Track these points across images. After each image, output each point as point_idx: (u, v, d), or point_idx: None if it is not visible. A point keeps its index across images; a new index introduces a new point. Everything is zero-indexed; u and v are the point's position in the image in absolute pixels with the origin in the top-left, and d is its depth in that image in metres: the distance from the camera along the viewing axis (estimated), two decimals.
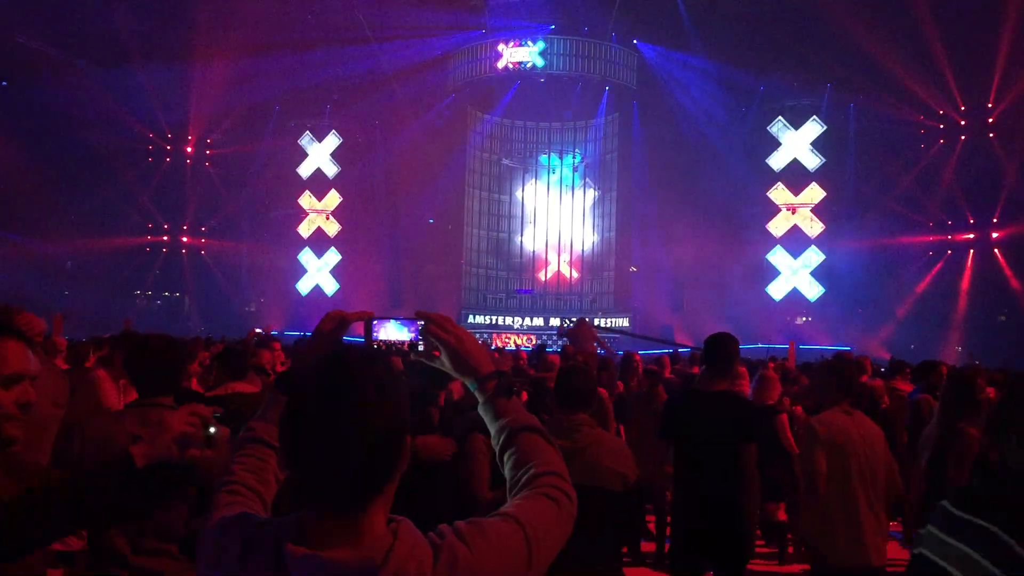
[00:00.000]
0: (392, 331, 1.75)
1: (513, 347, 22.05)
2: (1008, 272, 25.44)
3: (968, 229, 26.47)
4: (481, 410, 1.73)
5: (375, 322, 1.77)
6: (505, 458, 1.65)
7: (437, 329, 1.71)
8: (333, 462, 1.26)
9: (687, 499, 4.66)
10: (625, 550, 6.21)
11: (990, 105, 25.59)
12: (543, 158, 32.77)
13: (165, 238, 30.67)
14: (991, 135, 25.56)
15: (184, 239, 30.98)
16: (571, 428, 3.66)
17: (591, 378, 3.94)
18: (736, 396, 4.85)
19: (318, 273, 31.89)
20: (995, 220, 25.83)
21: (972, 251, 26.49)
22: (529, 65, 30.12)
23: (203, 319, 28.38)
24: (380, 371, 1.33)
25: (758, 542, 7.57)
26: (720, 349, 4.80)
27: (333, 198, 32.10)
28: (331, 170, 32.13)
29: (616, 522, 3.68)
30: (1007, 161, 24.44)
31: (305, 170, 32.30)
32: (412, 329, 1.73)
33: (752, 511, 4.58)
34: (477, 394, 1.72)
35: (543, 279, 32.67)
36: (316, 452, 1.27)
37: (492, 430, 1.71)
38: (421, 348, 1.72)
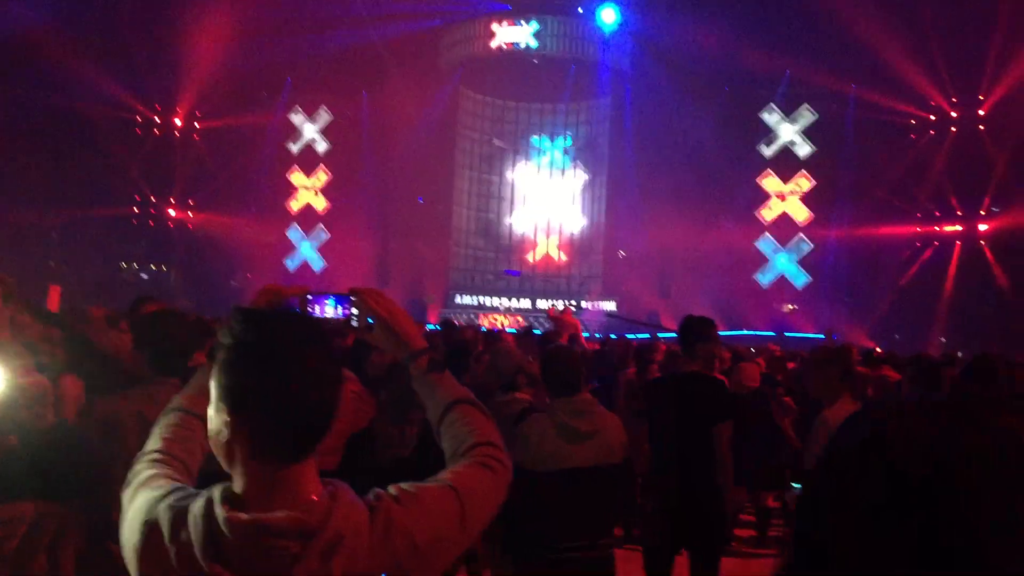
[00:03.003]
0: (328, 308, 1.74)
1: (499, 328, 22.07)
2: (994, 265, 25.58)
3: (955, 221, 26.59)
4: (415, 385, 1.74)
5: (311, 298, 1.77)
6: (442, 430, 1.68)
7: (371, 303, 1.72)
8: (273, 414, 1.30)
9: (660, 480, 4.71)
10: (620, 532, 6.24)
11: (981, 98, 25.65)
12: (534, 140, 32.70)
13: (152, 210, 30.46)
14: (981, 128, 25.62)
15: (172, 212, 30.80)
16: (584, 409, 3.73)
17: (577, 360, 3.98)
18: (708, 378, 4.89)
19: (306, 250, 31.79)
20: (982, 213, 25.95)
21: (959, 243, 26.61)
22: (522, 45, 29.96)
23: (190, 293, 28.26)
24: (316, 332, 1.41)
25: (748, 529, 7.65)
26: (691, 331, 4.87)
27: (322, 175, 31.95)
28: (321, 147, 31.98)
29: (621, 495, 3.78)
30: (996, 155, 24.50)
31: (295, 146, 32.12)
32: (345, 306, 1.73)
33: (727, 492, 4.62)
34: (410, 369, 1.73)
35: (531, 261, 32.66)
36: (257, 404, 1.31)
37: (427, 404, 1.73)
38: (355, 324, 1.72)
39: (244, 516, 1.27)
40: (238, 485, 1.33)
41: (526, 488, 3.73)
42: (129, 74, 27.12)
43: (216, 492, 1.31)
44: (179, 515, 1.32)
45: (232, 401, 1.32)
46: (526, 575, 3.75)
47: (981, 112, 25.70)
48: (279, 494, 1.31)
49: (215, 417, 1.36)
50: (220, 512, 1.27)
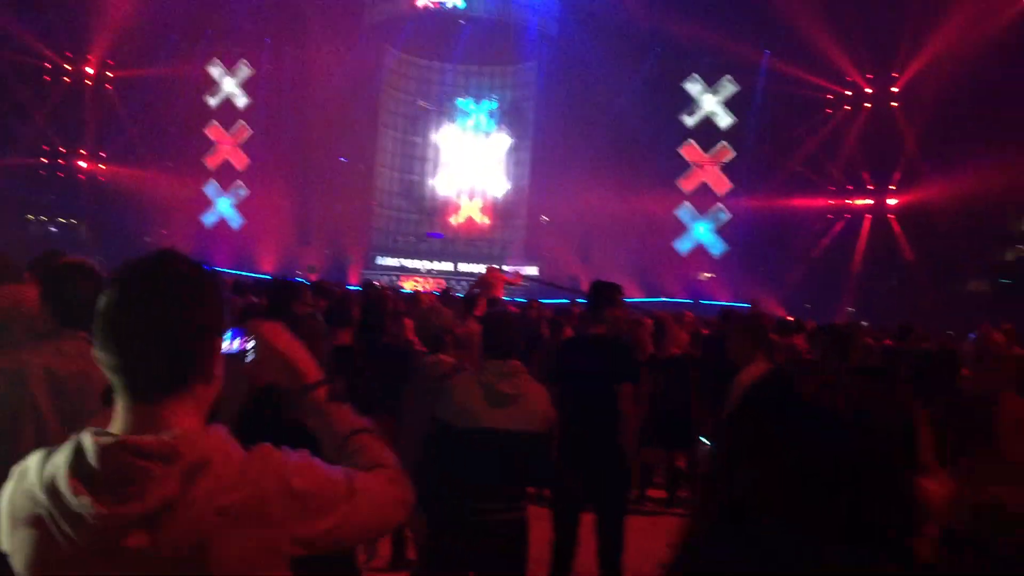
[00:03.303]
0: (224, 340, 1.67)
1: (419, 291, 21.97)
2: (901, 239, 26.54)
3: (866, 195, 27.43)
4: (311, 419, 1.70)
5: None
6: (342, 463, 1.62)
7: (267, 336, 1.69)
8: (137, 348, 1.33)
9: (567, 438, 4.83)
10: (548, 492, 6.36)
11: (895, 75, 26.39)
12: (459, 102, 32.46)
13: (62, 161, 29.28)
14: (894, 104, 26.41)
15: (83, 164, 29.67)
16: (511, 373, 3.79)
17: (516, 327, 4.04)
18: (611, 339, 5.03)
19: (224, 206, 31.05)
20: (892, 188, 26.83)
21: (868, 217, 27.49)
22: (450, 5, 29.62)
23: (101, 248, 27.38)
24: (190, 271, 1.40)
25: (661, 491, 7.88)
26: (596, 295, 5.01)
27: (242, 130, 31.16)
28: (241, 101, 31.13)
29: (539, 460, 3.87)
30: (907, 131, 25.30)
31: (213, 100, 31.20)
32: (241, 338, 1.67)
33: (629, 449, 4.80)
34: (306, 403, 1.69)
35: (454, 224, 32.58)
36: (123, 338, 1.34)
37: (324, 436, 1.68)
38: (249, 358, 1.67)
39: (108, 438, 1.29)
40: (113, 424, 1.36)
41: (445, 442, 3.80)
42: (36, 18, 25.93)
43: (87, 429, 1.33)
44: (48, 455, 1.34)
45: (97, 339, 1.35)
46: (440, 534, 3.82)
47: (894, 89, 26.43)
48: (149, 429, 1.32)
49: None
50: (86, 437, 1.30)
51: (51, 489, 1.28)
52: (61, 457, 1.30)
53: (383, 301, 6.77)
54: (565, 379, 4.89)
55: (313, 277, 28.05)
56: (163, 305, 1.34)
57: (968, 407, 3.34)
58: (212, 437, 1.36)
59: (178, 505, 1.28)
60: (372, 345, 5.21)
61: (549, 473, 4.24)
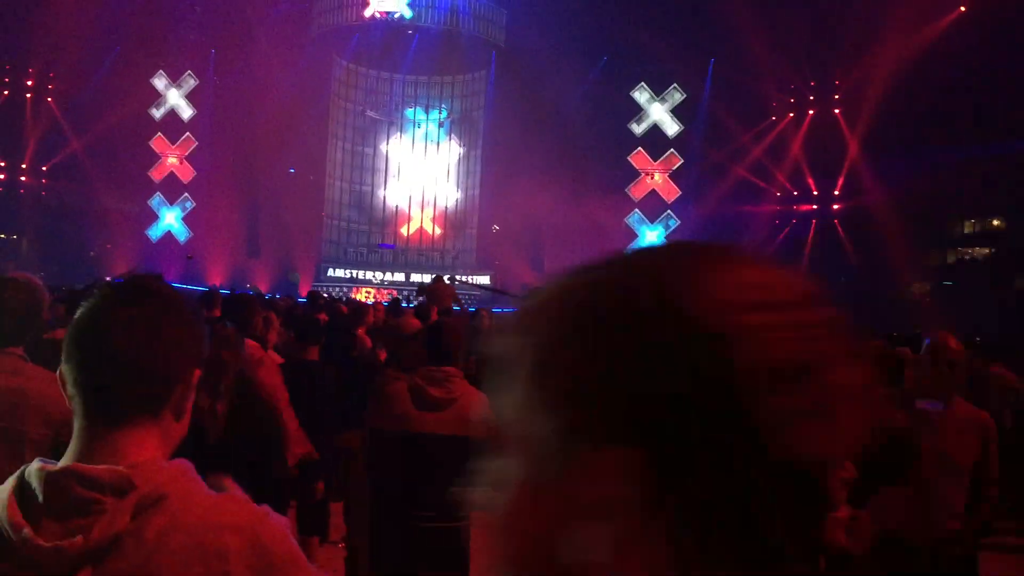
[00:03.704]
0: None
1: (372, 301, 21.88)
2: (846, 243, 27.10)
3: (811, 200, 27.97)
4: None
5: None
6: None
7: None
8: (110, 365, 1.27)
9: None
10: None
11: (837, 82, 26.96)
12: (409, 112, 32.40)
13: (2, 176, 28.59)
14: (836, 111, 26.98)
15: (23, 178, 28.99)
16: (443, 379, 3.78)
17: (458, 335, 4.04)
18: None
19: (170, 219, 30.57)
20: (836, 193, 27.39)
21: (814, 221, 28.02)
22: (397, 15, 29.57)
23: (43, 264, 26.80)
24: (176, 298, 1.36)
25: None
26: None
27: (188, 142, 30.72)
28: (186, 112, 30.71)
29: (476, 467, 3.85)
30: (850, 137, 25.85)
31: (158, 112, 30.73)
32: None
33: None
34: None
35: (405, 234, 32.47)
36: (95, 354, 1.29)
37: None
38: None
39: (55, 466, 1.22)
40: (67, 452, 1.29)
41: (381, 450, 3.78)
42: None
43: (37, 459, 1.26)
44: None
45: (66, 352, 1.30)
46: (378, 543, 3.80)
47: (836, 96, 27.00)
48: (105, 457, 1.24)
49: None
50: (33, 465, 1.22)
51: None
52: (5, 487, 1.22)
53: (357, 315, 6.77)
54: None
55: (304, 279, 27.90)
56: (146, 325, 1.29)
57: (895, 440, 3.43)
58: (173, 470, 1.27)
59: (127, 541, 1.19)
60: (341, 360, 5.19)
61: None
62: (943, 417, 3.65)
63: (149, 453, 1.28)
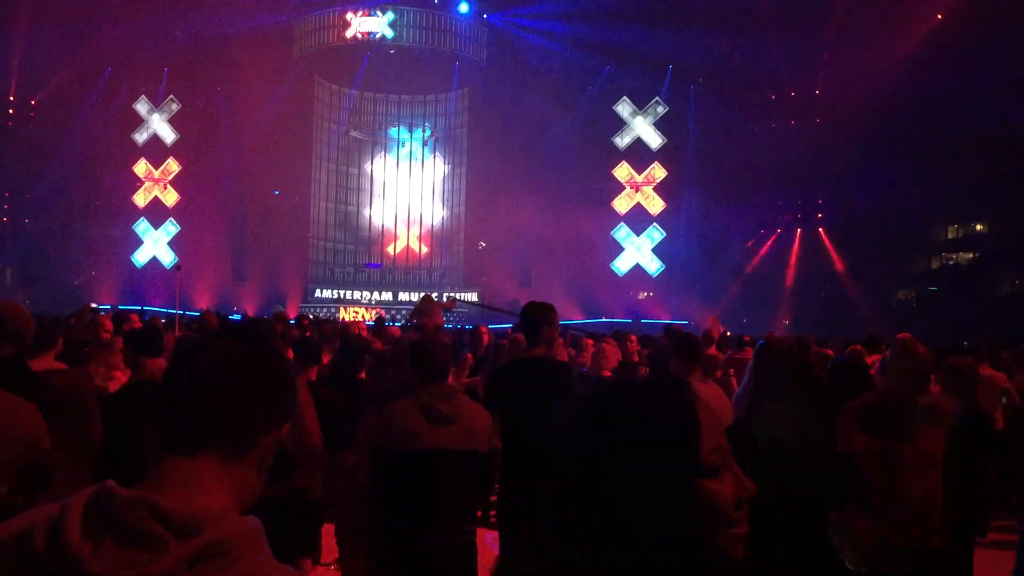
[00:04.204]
0: None
1: (361, 319, 21.90)
2: (831, 251, 27.24)
3: (796, 210, 28.13)
4: None
5: None
6: None
7: None
8: (171, 403, 1.27)
9: (510, 461, 4.84)
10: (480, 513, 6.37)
11: (817, 92, 27.18)
12: (393, 131, 32.45)
13: None
14: (818, 120, 27.18)
15: (5, 206, 28.85)
16: (448, 394, 3.82)
17: (446, 351, 4.08)
18: (551, 360, 5.06)
19: (155, 245, 30.44)
20: (820, 202, 27.57)
21: (799, 230, 28.17)
22: (378, 36, 29.64)
23: (27, 292, 26.66)
24: (262, 343, 1.33)
25: None
26: (531, 317, 5.03)
27: (172, 166, 30.65)
28: (169, 137, 30.64)
29: (482, 480, 3.88)
30: (833, 145, 26.03)
31: (140, 136, 30.66)
32: None
33: None
34: None
35: (392, 253, 32.45)
36: (163, 395, 1.29)
37: None
38: None
39: (129, 491, 1.15)
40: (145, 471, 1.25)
41: (390, 469, 3.78)
42: None
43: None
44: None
45: (163, 393, 1.32)
46: (386, 563, 3.79)
47: (817, 105, 27.18)
48: (173, 487, 1.20)
49: None
50: (110, 485, 1.15)
51: (51, 535, 1.13)
52: (77, 501, 1.15)
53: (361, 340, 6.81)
54: (505, 403, 4.90)
55: (292, 300, 27.79)
56: (243, 362, 1.29)
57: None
58: (246, 526, 1.18)
59: None
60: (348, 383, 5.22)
61: (490, 493, 4.24)
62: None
63: (221, 499, 1.23)
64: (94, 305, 17.79)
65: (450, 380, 4.80)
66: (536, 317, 5.01)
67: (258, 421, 1.28)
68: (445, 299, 13.23)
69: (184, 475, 1.22)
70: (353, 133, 31.94)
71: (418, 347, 4.13)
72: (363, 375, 5.74)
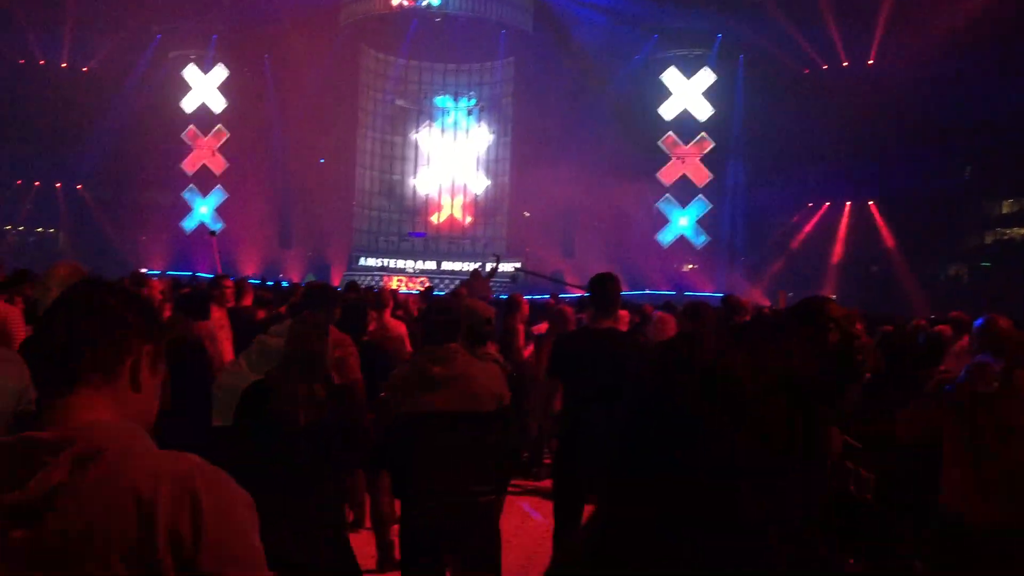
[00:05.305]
0: None
1: (405, 291, 22.05)
2: (881, 226, 26.70)
3: (845, 184, 27.57)
4: None
5: None
6: None
7: None
8: (44, 346, 1.44)
9: (573, 431, 4.83)
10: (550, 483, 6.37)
11: (871, 62, 26.51)
12: (438, 100, 32.40)
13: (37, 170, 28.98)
14: (870, 91, 26.51)
15: (59, 174, 29.38)
16: (446, 355, 3.83)
17: (455, 312, 4.08)
18: (620, 332, 5.03)
19: (203, 211, 30.84)
20: (870, 176, 26.97)
21: (848, 204, 27.64)
22: (425, 3, 29.51)
23: (79, 257, 27.19)
24: (107, 286, 1.52)
25: None
26: (602, 288, 5.00)
27: (220, 133, 30.95)
28: (218, 104, 30.91)
29: (495, 443, 3.88)
30: (884, 117, 25.41)
31: (189, 104, 30.96)
32: None
33: None
34: None
35: (436, 222, 32.54)
36: (36, 339, 1.48)
37: None
38: None
39: (7, 437, 1.33)
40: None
41: (397, 430, 3.85)
42: (10, 25, 25.69)
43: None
44: None
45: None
46: (410, 523, 3.85)
47: (870, 75, 26.51)
48: (53, 422, 1.36)
49: None
50: None
51: None
52: None
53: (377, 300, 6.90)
54: (571, 373, 4.89)
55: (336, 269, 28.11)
56: (87, 305, 1.45)
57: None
58: (113, 429, 1.36)
59: (63, 495, 1.26)
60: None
61: (509, 454, 4.23)
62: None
63: (98, 416, 1.38)
64: (143, 271, 18.18)
65: (491, 348, 4.82)
66: (602, 288, 4.99)
67: (112, 350, 1.43)
68: (487, 268, 13.29)
69: (63, 412, 1.37)
70: (399, 102, 31.95)
71: (428, 308, 4.18)
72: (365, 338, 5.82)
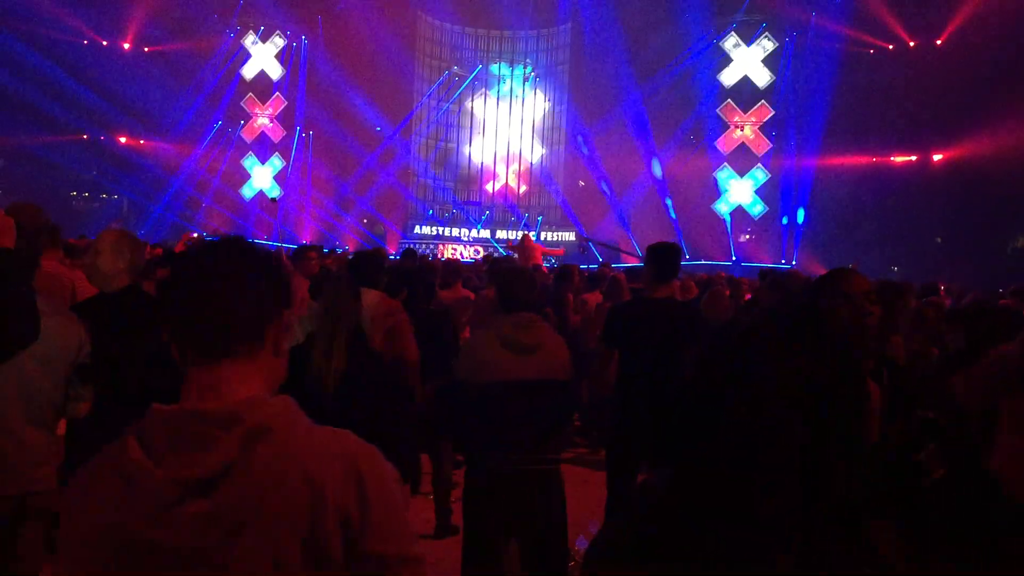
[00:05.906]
0: None
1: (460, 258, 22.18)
2: (945, 195, 25.97)
3: (909, 152, 26.88)
4: None
5: None
6: None
7: None
8: (193, 311, 1.39)
9: (627, 402, 4.81)
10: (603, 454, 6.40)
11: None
12: (494, 67, 32.24)
13: (102, 138, 29.56)
14: (937, 61, 25.68)
15: (122, 139, 29.95)
16: (529, 324, 3.83)
17: (532, 283, 4.07)
18: (678, 303, 4.99)
19: (262, 178, 31.22)
20: (933, 145, 26.24)
21: (910, 173, 26.94)
22: None
23: (141, 223, 27.83)
24: (248, 249, 1.48)
25: None
26: (661, 257, 4.94)
27: (278, 101, 31.23)
28: (276, 72, 31.16)
29: (563, 409, 3.89)
30: (949, 88, 24.61)
31: (249, 71, 31.26)
32: None
33: None
34: None
35: (491, 191, 32.53)
36: (182, 305, 1.41)
37: None
38: None
39: (168, 406, 1.34)
40: (182, 395, 1.41)
41: (472, 399, 3.83)
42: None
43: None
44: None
45: (163, 311, 1.43)
46: (474, 489, 3.87)
47: (938, 43, 25.74)
48: (209, 392, 1.37)
49: None
50: (154, 407, 1.35)
51: (120, 466, 1.33)
52: (131, 431, 1.35)
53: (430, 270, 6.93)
54: (626, 343, 4.86)
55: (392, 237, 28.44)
56: (232, 273, 1.42)
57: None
58: (275, 405, 1.38)
59: (237, 470, 1.30)
60: (415, 312, 5.27)
61: (569, 424, 4.23)
62: None
63: (250, 388, 1.39)
64: (195, 234, 18.57)
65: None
66: (660, 257, 4.93)
67: (259, 319, 1.43)
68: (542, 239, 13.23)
69: (215, 379, 1.38)
70: (455, 69, 31.88)
71: (500, 276, 4.13)
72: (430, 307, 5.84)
